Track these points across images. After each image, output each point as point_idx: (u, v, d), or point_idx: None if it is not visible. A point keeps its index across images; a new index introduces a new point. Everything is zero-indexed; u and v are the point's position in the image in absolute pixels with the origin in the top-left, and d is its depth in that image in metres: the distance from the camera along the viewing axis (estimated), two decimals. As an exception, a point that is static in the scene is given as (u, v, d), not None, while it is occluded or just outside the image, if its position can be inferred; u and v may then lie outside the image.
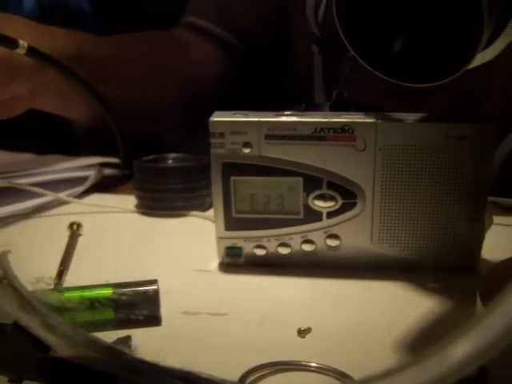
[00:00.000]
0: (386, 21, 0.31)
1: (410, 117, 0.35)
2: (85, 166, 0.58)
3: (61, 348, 0.21)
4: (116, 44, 0.66)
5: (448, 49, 0.29)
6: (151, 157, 0.52)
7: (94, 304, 0.29)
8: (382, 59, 0.31)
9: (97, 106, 0.55)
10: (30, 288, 0.21)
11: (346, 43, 0.31)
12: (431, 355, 0.16)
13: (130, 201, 0.52)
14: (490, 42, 0.29)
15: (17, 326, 0.21)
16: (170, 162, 0.52)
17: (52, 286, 0.34)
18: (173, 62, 0.71)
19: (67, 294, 0.30)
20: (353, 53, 0.31)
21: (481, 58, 0.30)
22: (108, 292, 0.31)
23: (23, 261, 0.26)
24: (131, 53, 0.68)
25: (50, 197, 0.51)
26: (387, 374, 0.17)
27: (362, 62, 0.31)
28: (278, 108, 0.37)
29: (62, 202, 0.52)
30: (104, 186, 0.58)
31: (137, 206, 0.51)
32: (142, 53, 0.69)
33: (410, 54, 0.30)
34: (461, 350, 0.16)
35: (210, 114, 0.37)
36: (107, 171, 0.60)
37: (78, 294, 0.30)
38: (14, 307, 0.20)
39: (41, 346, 0.21)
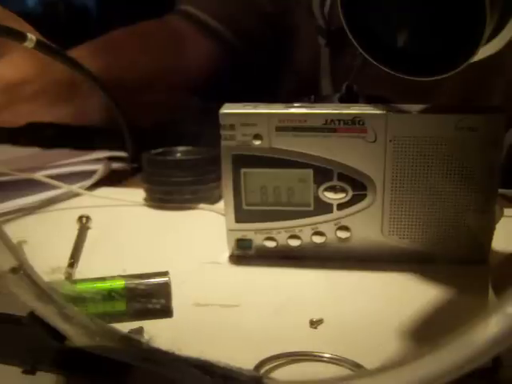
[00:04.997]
0: (390, 15, 0.31)
1: (421, 108, 0.35)
2: (92, 160, 0.58)
3: (77, 338, 0.21)
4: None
5: (451, 43, 0.29)
6: (160, 150, 0.52)
7: (110, 294, 0.29)
8: (386, 53, 0.31)
9: (103, 104, 0.56)
10: (45, 278, 0.21)
11: (352, 38, 0.31)
12: (448, 343, 0.16)
13: (138, 194, 0.52)
14: (493, 36, 0.29)
15: (33, 316, 0.21)
16: (179, 154, 0.52)
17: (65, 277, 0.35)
18: (168, 54, 0.71)
19: (80, 286, 0.30)
20: (358, 48, 0.31)
21: (484, 51, 0.30)
22: (120, 284, 0.31)
23: (34, 253, 0.26)
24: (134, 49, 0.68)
25: (58, 190, 0.51)
26: (404, 361, 0.17)
27: (367, 56, 0.31)
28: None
29: (70, 196, 0.52)
30: (112, 180, 0.58)
31: (145, 199, 0.51)
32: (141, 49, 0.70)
33: (414, 48, 0.30)
34: (479, 337, 0.16)
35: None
36: (115, 165, 0.60)
37: (90, 285, 0.30)
38: (31, 297, 0.20)
39: (56, 336, 0.21)
